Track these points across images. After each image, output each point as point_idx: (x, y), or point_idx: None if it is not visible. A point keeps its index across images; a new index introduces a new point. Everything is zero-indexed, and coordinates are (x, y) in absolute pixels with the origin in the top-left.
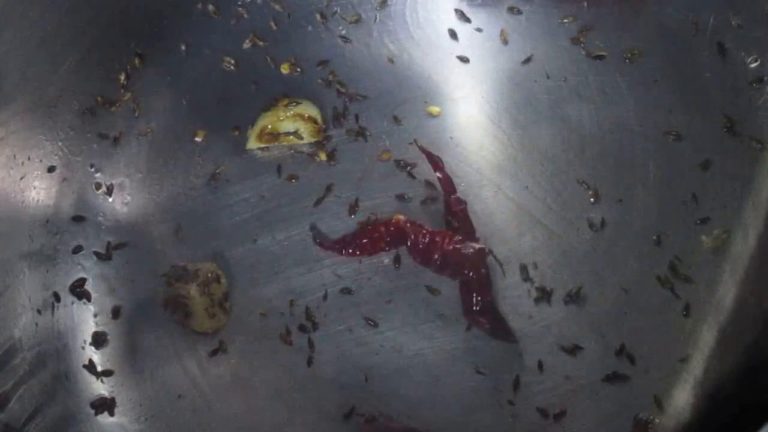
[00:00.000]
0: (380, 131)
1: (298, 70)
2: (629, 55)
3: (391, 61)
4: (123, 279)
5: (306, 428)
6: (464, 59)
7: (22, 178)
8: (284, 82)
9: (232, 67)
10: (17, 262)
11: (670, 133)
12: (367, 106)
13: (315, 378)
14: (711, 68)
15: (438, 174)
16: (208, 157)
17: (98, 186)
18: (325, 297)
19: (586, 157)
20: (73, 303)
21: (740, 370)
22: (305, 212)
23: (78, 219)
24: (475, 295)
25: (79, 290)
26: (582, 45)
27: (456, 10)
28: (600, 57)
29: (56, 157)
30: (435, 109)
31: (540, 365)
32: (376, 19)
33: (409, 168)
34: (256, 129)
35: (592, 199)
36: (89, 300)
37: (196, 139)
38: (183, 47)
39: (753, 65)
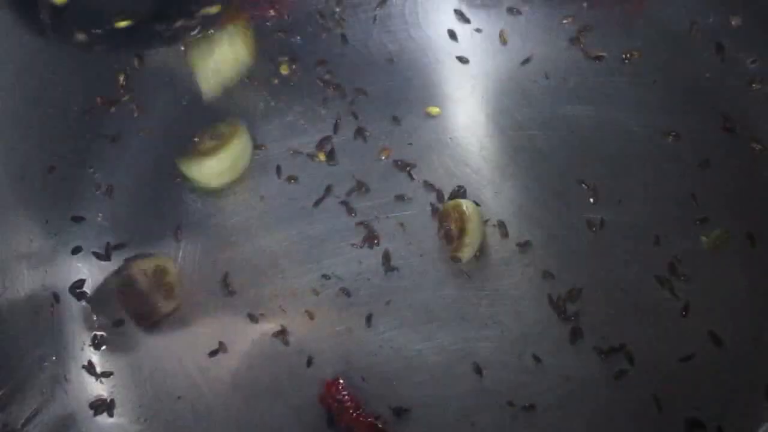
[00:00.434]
0: (380, 131)
1: (298, 70)
2: (629, 55)
3: (390, 61)
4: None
5: (306, 428)
6: (464, 59)
7: (21, 178)
8: (284, 82)
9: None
10: (16, 262)
11: (670, 133)
12: (367, 106)
13: (315, 378)
14: (711, 68)
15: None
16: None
17: (98, 186)
18: (324, 297)
19: (586, 157)
20: (72, 303)
21: (739, 370)
22: (305, 212)
23: (77, 219)
24: None
25: (78, 291)
26: (582, 45)
27: (456, 11)
28: (600, 57)
29: (56, 157)
30: (435, 109)
31: (539, 365)
32: (375, 19)
33: (408, 168)
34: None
35: (591, 199)
36: (89, 300)
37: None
38: (183, 47)
39: (752, 65)
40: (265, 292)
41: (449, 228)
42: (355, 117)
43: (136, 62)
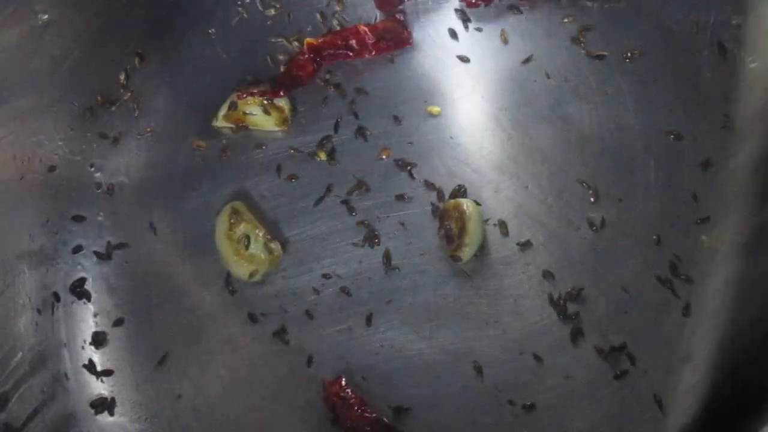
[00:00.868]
0: (380, 131)
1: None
2: (629, 55)
3: (391, 60)
4: (123, 279)
5: (306, 428)
6: (464, 59)
7: (22, 178)
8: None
9: (231, 67)
10: (17, 261)
11: (670, 133)
12: (367, 105)
13: (315, 378)
14: (711, 68)
15: None
16: (208, 157)
17: (98, 186)
18: (325, 297)
19: (586, 157)
20: (73, 303)
21: (740, 371)
22: (305, 212)
23: (78, 219)
24: None
25: (79, 290)
26: (582, 45)
27: (456, 10)
28: (600, 57)
29: (56, 157)
30: (435, 109)
31: (540, 365)
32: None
33: (409, 168)
34: (225, 107)
35: (592, 199)
36: (89, 300)
37: (196, 139)
38: (183, 47)
39: (752, 65)
40: (266, 291)
41: (449, 227)
42: (356, 116)
43: (136, 61)
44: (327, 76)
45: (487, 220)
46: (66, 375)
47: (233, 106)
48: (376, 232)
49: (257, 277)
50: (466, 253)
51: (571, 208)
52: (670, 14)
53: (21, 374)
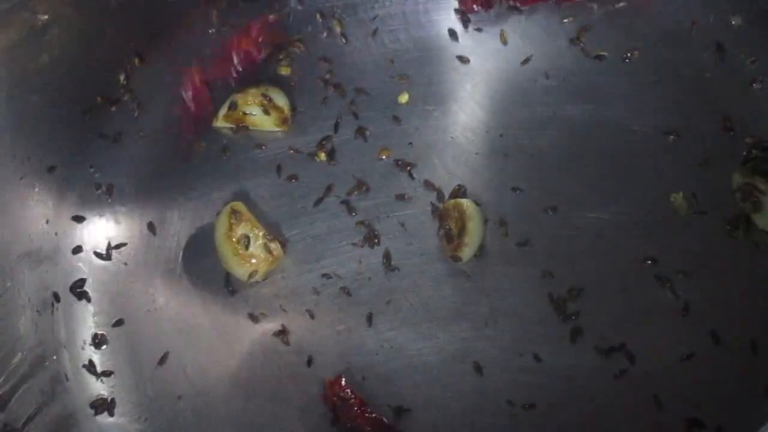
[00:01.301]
0: (380, 131)
1: (298, 70)
2: (629, 55)
3: (391, 61)
4: (123, 279)
5: (307, 428)
6: (464, 59)
7: (22, 178)
8: (283, 82)
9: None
10: (17, 262)
11: (670, 133)
12: (367, 106)
13: (315, 378)
14: (711, 68)
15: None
16: (208, 157)
17: (98, 186)
18: (325, 297)
19: (587, 157)
20: (72, 303)
21: (740, 370)
22: (305, 212)
23: (78, 219)
24: None
25: (78, 290)
26: (582, 45)
27: (456, 10)
28: (600, 57)
29: (56, 157)
30: (435, 109)
31: (540, 365)
32: (376, 18)
33: (408, 168)
34: (225, 107)
35: (592, 199)
36: (89, 300)
37: (196, 139)
38: (183, 47)
39: (752, 65)
40: (266, 291)
41: (449, 227)
42: (356, 117)
43: (136, 61)
44: (327, 76)
45: (486, 221)
46: (66, 375)
47: (233, 106)
48: (376, 232)
49: (257, 278)
50: (466, 253)
51: (571, 208)
52: (670, 14)
53: (21, 375)
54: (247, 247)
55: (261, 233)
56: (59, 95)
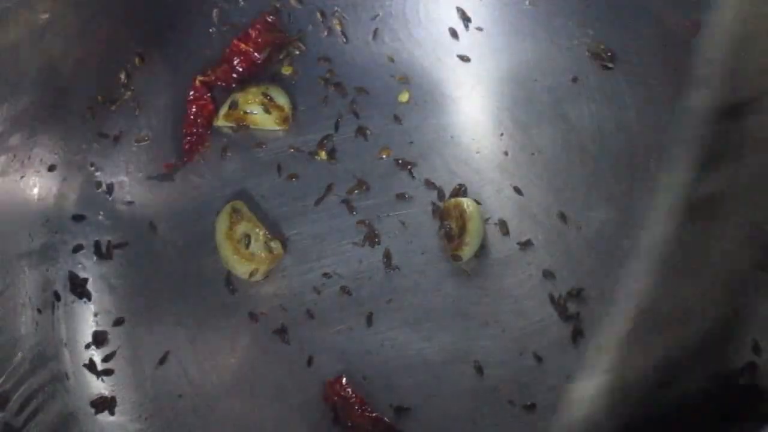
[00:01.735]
0: (380, 130)
1: (299, 69)
2: (630, 55)
3: (391, 60)
4: (123, 278)
5: (307, 428)
6: (465, 58)
7: (22, 178)
8: (284, 82)
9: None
10: (17, 261)
11: (670, 133)
12: (367, 105)
13: (315, 378)
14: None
15: None
16: (209, 156)
17: (98, 185)
18: (325, 296)
19: (586, 157)
20: (73, 302)
21: (740, 370)
22: (305, 211)
23: (78, 218)
24: None
25: (79, 290)
26: (582, 45)
27: (457, 9)
28: (600, 57)
29: (56, 157)
30: (435, 109)
31: (540, 365)
32: (376, 17)
33: (409, 167)
34: (225, 106)
35: (592, 199)
36: (89, 299)
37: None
38: (183, 47)
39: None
40: (266, 291)
41: (450, 227)
42: (356, 116)
43: (137, 60)
44: (327, 75)
45: (487, 220)
46: (66, 374)
47: (234, 105)
48: (377, 232)
49: (257, 277)
50: (467, 252)
51: (571, 208)
52: (670, 14)
53: (21, 374)
54: (247, 246)
55: (261, 232)
56: (59, 95)
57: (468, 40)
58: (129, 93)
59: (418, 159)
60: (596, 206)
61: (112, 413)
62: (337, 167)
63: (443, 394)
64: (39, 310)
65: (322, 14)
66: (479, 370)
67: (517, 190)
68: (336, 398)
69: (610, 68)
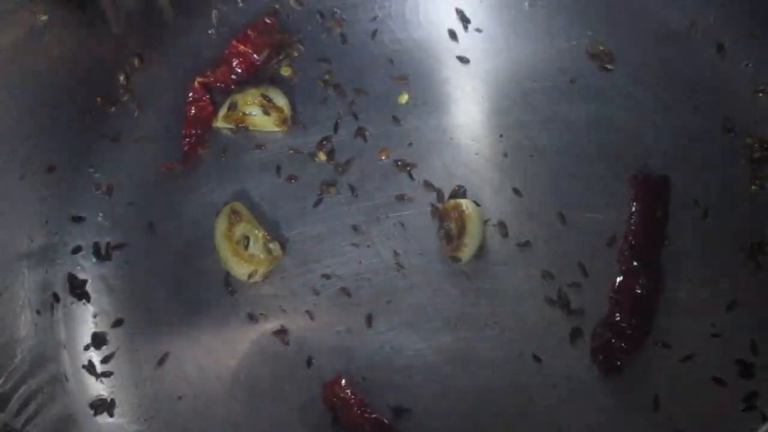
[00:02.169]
0: (380, 131)
1: (298, 70)
2: (629, 55)
3: (390, 61)
4: (123, 279)
5: (306, 428)
6: (464, 59)
7: (21, 178)
8: (283, 83)
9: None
10: (17, 262)
11: (670, 134)
12: (367, 106)
13: (315, 378)
14: (711, 68)
15: None
16: (208, 157)
17: (98, 186)
18: (325, 297)
19: (586, 157)
20: (72, 303)
21: (740, 370)
22: (305, 212)
23: (77, 219)
24: None
25: (78, 291)
26: (581, 46)
27: (456, 10)
28: (600, 57)
29: (56, 157)
30: (434, 110)
31: (539, 365)
32: (375, 19)
33: (408, 168)
34: (225, 107)
35: (592, 199)
36: (89, 300)
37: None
38: (183, 47)
39: (752, 66)
40: (265, 291)
41: (449, 228)
42: (356, 117)
43: (136, 62)
44: (327, 77)
45: (486, 221)
46: (65, 376)
47: (233, 107)
48: (376, 233)
49: (257, 278)
50: (466, 253)
51: (571, 209)
52: (670, 14)
53: (21, 375)
54: (246, 247)
55: (261, 233)
56: (59, 95)
57: (467, 42)
58: (128, 94)
59: (418, 160)
60: (595, 207)
61: (111, 415)
62: (336, 168)
63: (443, 394)
64: (38, 312)
65: (322, 16)
66: (479, 370)
67: (516, 191)
68: (335, 399)
69: (608, 69)
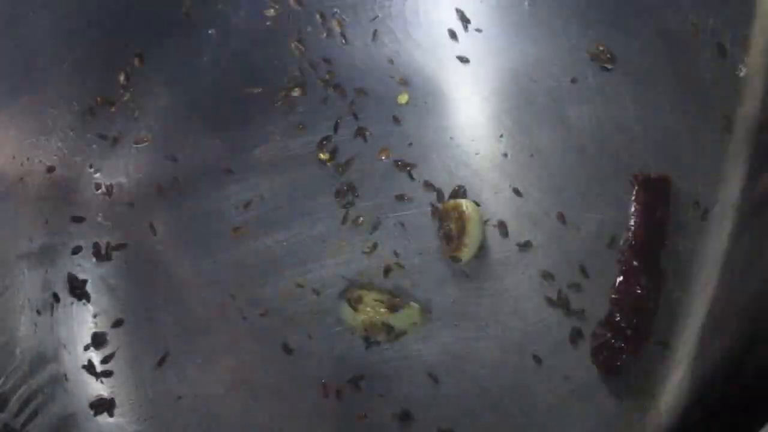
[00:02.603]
0: (380, 131)
1: (298, 70)
2: (629, 55)
3: (390, 61)
4: (123, 279)
5: (306, 429)
6: (464, 59)
7: (21, 179)
8: (282, 83)
9: (231, 67)
10: (16, 262)
11: (669, 133)
12: (367, 106)
13: (315, 378)
14: (711, 68)
15: None
16: (208, 157)
17: (98, 186)
18: (325, 297)
19: (586, 158)
20: (72, 303)
21: (740, 369)
22: (305, 213)
23: (77, 219)
24: None
25: (78, 291)
26: (582, 46)
27: (456, 10)
28: (599, 58)
29: (56, 158)
30: (434, 109)
31: (540, 366)
32: (375, 19)
33: (408, 168)
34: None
35: (592, 199)
36: (89, 300)
37: (195, 140)
38: (183, 47)
39: (752, 65)
40: (265, 292)
41: (449, 228)
42: (356, 117)
43: (136, 61)
44: (327, 77)
45: (486, 221)
46: (65, 376)
47: None
48: (376, 233)
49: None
50: (466, 253)
51: (570, 209)
52: (670, 14)
53: (20, 375)
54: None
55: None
56: (59, 95)
57: (467, 42)
58: (128, 94)
59: (418, 160)
60: (596, 207)
61: (111, 415)
62: (336, 168)
63: (443, 394)
64: (38, 312)
65: (322, 16)
66: (478, 370)
67: (517, 192)
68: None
69: (609, 69)
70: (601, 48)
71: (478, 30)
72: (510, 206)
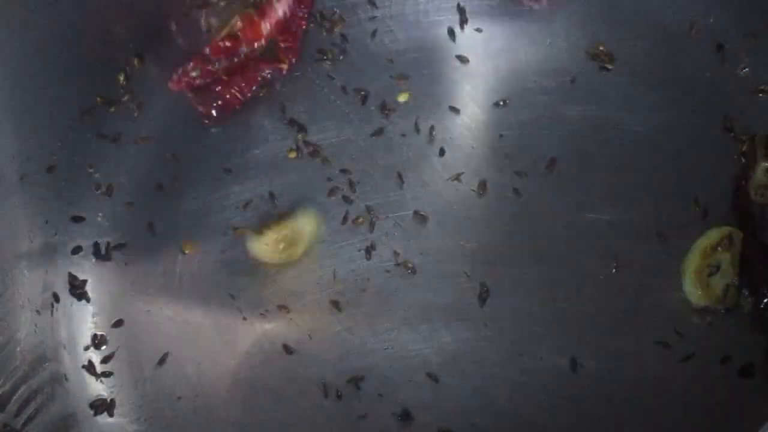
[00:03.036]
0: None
1: (298, 70)
2: (629, 55)
3: (390, 61)
4: (123, 279)
5: (306, 429)
6: (464, 59)
7: (22, 178)
8: (283, 83)
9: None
10: (16, 262)
11: (670, 134)
12: (367, 106)
13: (315, 378)
14: (711, 68)
15: None
16: (208, 157)
17: (98, 186)
18: (325, 297)
19: (586, 158)
20: (72, 303)
21: (740, 369)
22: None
23: (77, 219)
24: None
25: (78, 291)
26: (581, 46)
27: (456, 10)
28: (600, 57)
29: (56, 157)
30: (434, 109)
31: (540, 365)
32: (375, 18)
33: (408, 168)
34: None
35: (592, 199)
36: (88, 300)
37: (195, 140)
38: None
39: (752, 66)
40: (265, 292)
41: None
42: (356, 117)
43: (136, 62)
44: (327, 76)
45: (487, 221)
46: (65, 376)
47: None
48: (375, 233)
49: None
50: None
51: (571, 209)
52: (670, 14)
53: (20, 375)
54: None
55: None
56: (59, 95)
57: (467, 41)
58: (128, 94)
59: (418, 160)
60: (596, 207)
61: (111, 415)
62: (335, 168)
63: (443, 394)
64: (38, 312)
65: (322, 15)
66: (479, 370)
67: (516, 192)
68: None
69: (608, 69)
70: (600, 48)
71: (478, 30)
72: (510, 206)
